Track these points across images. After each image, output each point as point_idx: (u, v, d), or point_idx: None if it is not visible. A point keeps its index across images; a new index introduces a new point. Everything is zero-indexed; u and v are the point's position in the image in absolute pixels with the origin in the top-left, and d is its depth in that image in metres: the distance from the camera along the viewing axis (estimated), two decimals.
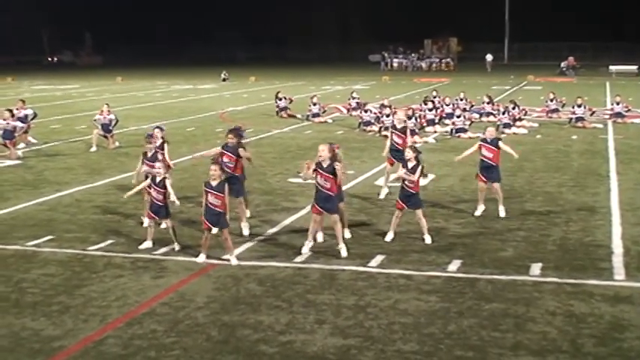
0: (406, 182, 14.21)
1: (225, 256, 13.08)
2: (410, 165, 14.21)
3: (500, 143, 16.27)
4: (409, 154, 14.33)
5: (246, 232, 14.77)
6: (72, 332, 10.06)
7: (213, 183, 12.90)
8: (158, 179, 13.87)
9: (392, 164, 17.83)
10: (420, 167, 14.13)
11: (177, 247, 13.76)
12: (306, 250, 13.49)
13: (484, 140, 16.22)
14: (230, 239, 13.05)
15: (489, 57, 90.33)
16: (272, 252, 13.66)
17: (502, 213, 16.03)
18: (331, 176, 13.32)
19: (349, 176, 14.35)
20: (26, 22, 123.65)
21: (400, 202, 14.34)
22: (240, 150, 15.10)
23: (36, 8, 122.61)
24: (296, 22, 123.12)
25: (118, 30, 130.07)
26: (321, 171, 13.34)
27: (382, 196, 17.96)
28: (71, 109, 42.45)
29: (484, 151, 16.15)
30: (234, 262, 12.88)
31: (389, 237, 14.35)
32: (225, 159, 14.77)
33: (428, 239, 14.15)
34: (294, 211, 16.70)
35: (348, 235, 14.44)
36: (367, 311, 10.67)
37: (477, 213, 16.20)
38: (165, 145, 17.12)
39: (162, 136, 17.25)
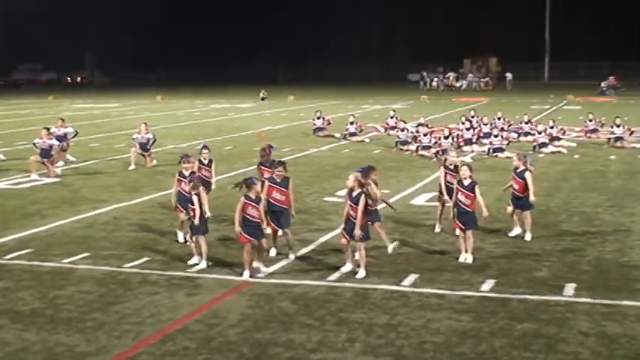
0: (461, 200, 14.32)
1: (255, 264, 13.30)
2: (466, 183, 14.35)
3: (527, 174, 15.85)
4: (466, 172, 14.38)
5: (292, 257, 14.58)
6: (105, 349, 10.15)
7: (253, 195, 13.19)
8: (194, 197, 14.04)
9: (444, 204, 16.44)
10: (476, 185, 14.34)
11: (204, 264, 13.86)
12: (346, 269, 13.44)
13: (515, 171, 16.12)
14: (264, 248, 13.46)
15: (509, 75, 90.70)
16: (305, 270, 13.70)
17: (527, 237, 15.81)
18: (355, 205, 13.21)
19: (385, 195, 14.04)
20: (68, 42, 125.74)
21: (456, 221, 14.43)
22: (291, 182, 14.85)
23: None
24: (338, 42, 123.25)
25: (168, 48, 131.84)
26: (349, 201, 13.41)
27: (436, 230, 16.70)
28: (110, 128, 42.93)
29: (513, 183, 16.11)
30: (263, 270, 13.35)
31: (462, 258, 14.20)
32: (276, 194, 14.52)
33: (470, 259, 14.08)
34: (328, 230, 16.71)
35: (389, 249, 14.41)
36: (399, 330, 10.67)
37: (511, 234, 16.10)
38: (213, 164, 18.22)
39: (209, 155, 18.10)
